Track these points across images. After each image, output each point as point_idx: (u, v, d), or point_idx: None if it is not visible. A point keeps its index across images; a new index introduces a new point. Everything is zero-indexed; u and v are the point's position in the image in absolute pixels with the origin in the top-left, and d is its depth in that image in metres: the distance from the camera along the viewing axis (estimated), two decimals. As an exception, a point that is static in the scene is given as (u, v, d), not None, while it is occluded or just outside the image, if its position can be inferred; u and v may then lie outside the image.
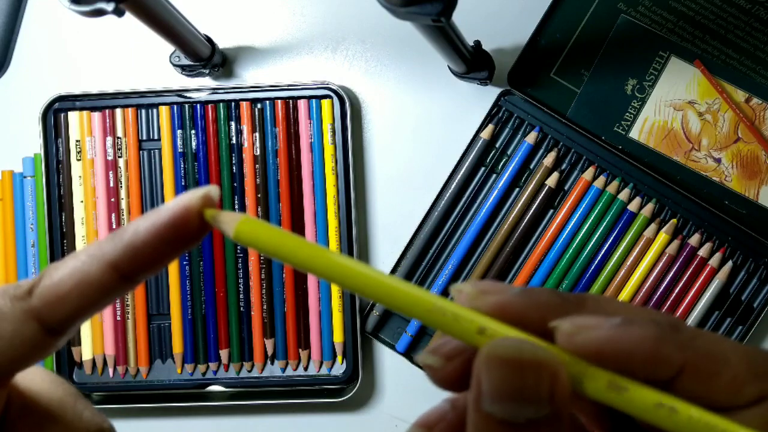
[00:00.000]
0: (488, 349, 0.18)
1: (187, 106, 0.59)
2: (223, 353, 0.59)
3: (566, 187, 0.58)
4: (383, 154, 0.60)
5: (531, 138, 0.57)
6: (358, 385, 0.57)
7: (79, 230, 0.59)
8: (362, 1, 0.60)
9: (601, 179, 0.57)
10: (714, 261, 0.57)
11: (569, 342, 0.18)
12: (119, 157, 0.59)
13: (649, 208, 0.57)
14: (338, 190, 0.58)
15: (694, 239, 0.57)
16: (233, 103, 0.58)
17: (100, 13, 0.39)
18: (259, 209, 0.58)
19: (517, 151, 0.58)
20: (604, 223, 0.57)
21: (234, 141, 0.59)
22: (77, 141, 0.59)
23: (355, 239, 0.58)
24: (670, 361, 0.18)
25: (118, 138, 0.59)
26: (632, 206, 0.57)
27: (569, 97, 0.57)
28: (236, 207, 0.58)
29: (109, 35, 0.61)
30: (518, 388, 0.18)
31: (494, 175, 0.58)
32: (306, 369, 0.59)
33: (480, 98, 0.59)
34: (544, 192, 0.57)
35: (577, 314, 0.19)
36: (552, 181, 0.57)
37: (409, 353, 0.58)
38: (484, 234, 0.58)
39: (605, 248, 0.57)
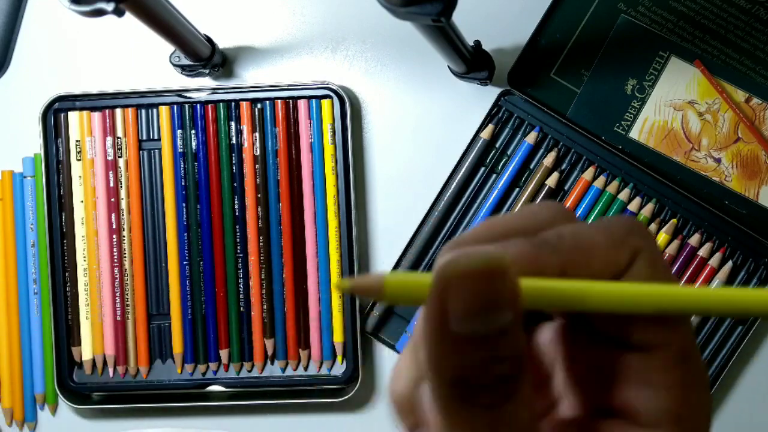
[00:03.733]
0: (454, 266, 0.17)
1: (187, 106, 0.59)
2: (223, 353, 0.59)
3: (566, 187, 0.58)
4: (383, 154, 0.60)
5: (531, 138, 0.57)
6: (358, 385, 0.57)
7: (79, 230, 0.59)
8: (362, 1, 0.60)
9: (601, 179, 0.57)
10: (714, 261, 0.57)
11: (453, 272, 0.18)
12: (119, 157, 0.59)
13: (649, 208, 0.57)
14: (338, 190, 0.58)
15: (694, 239, 0.57)
16: (233, 103, 0.58)
17: (100, 13, 0.39)
18: (259, 209, 0.58)
19: (517, 151, 0.58)
20: (604, 223, 0.57)
21: (234, 141, 0.59)
22: (77, 141, 0.59)
23: (355, 239, 0.58)
24: (549, 265, 0.20)
25: (118, 138, 0.59)
26: (632, 206, 0.57)
27: (569, 97, 0.57)
28: (236, 207, 0.58)
29: (109, 35, 0.61)
30: (492, 298, 0.18)
31: (494, 175, 0.58)
32: (306, 369, 0.59)
33: (480, 98, 0.59)
34: (544, 192, 0.57)
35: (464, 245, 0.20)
36: (552, 181, 0.57)
37: (409, 353, 0.58)
38: (484, 234, 0.58)
39: (605, 248, 0.57)
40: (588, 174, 0.57)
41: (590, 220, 0.57)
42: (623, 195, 0.57)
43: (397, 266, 0.58)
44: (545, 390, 0.24)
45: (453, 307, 0.17)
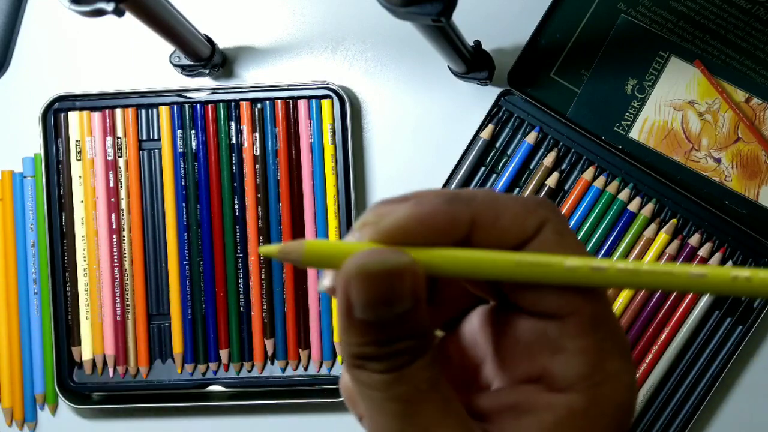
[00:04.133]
0: (355, 267, 0.20)
1: (187, 106, 0.59)
2: (223, 353, 0.59)
3: (566, 187, 0.58)
4: (383, 154, 0.60)
5: (531, 138, 0.57)
6: (358, 385, 0.57)
7: (79, 230, 0.59)
8: (362, 1, 0.60)
9: (601, 179, 0.57)
10: (714, 261, 0.57)
11: (377, 230, 0.21)
12: (119, 157, 0.59)
13: (649, 208, 0.57)
14: (338, 190, 0.58)
15: (694, 239, 0.57)
16: (233, 103, 0.58)
17: (100, 13, 0.39)
18: (259, 209, 0.58)
19: (517, 151, 0.58)
20: (604, 223, 0.57)
21: (234, 141, 0.59)
22: (77, 141, 0.59)
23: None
24: (461, 218, 0.22)
25: (118, 138, 0.59)
26: (632, 206, 0.57)
27: (569, 97, 0.57)
28: (236, 207, 0.58)
29: (109, 35, 0.61)
30: (387, 294, 0.20)
31: (494, 175, 0.58)
32: (306, 369, 0.59)
33: (480, 98, 0.59)
34: (544, 192, 0.57)
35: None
36: (552, 181, 0.57)
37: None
38: (484, 234, 0.58)
39: (605, 248, 0.57)
40: (588, 174, 0.57)
41: (590, 221, 0.57)
42: (623, 195, 0.57)
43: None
44: (476, 378, 0.25)
45: (354, 298, 0.20)
